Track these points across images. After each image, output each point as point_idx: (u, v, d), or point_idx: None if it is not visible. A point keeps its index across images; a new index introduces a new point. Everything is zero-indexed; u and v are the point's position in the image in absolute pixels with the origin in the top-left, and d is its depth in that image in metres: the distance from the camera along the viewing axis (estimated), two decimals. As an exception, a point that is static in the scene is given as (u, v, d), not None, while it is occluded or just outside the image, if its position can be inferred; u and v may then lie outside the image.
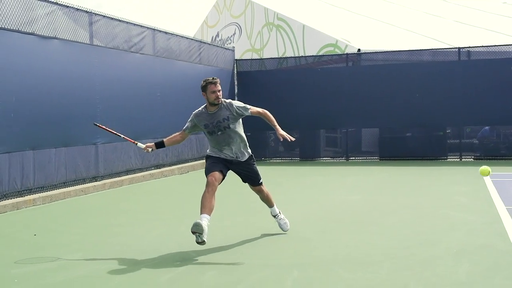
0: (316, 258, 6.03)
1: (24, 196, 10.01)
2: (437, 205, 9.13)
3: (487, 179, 11.57)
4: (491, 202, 9.14)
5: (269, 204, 7.18)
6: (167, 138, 6.95)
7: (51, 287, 5.24)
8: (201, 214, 6.21)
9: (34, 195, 10.18)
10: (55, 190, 10.71)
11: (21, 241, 7.37)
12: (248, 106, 6.83)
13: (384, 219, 8.07)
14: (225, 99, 6.75)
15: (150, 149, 6.76)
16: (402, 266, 5.66)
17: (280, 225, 7.20)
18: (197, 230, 5.94)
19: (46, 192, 10.47)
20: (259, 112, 6.97)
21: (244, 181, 7.09)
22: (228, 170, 6.78)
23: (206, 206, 6.29)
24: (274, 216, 7.22)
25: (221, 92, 6.67)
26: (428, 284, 5.04)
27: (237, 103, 6.82)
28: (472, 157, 16.42)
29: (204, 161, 6.91)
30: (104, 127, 7.20)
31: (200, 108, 6.79)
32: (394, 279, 5.21)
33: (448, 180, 12.28)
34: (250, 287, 5.12)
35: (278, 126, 6.89)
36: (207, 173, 6.58)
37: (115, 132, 7.04)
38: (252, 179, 6.98)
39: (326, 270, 5.57)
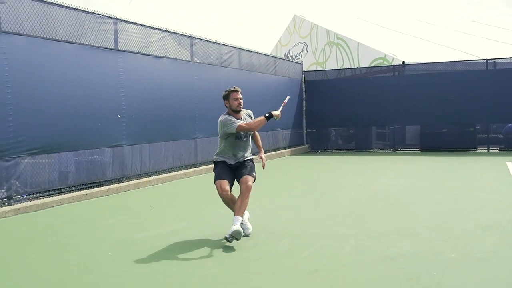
0: (368, 230, 5.97)
1: (143, 178, 10.31)
2: (468, 188, 8.83)
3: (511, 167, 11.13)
4: (516, 186, 8.78)
5: (240, 211, 5.45)
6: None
7: (164, 248, 5.40)
8: (235, 216, 5.46)
9: (150, 177, 10.47)
10: (165, 174, 10.96)
11: (140, 212, 7.63)
12: None
13: (424, 199, 7.88)
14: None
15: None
16: (438, 237, 5.52)
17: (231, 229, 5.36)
18: (237, 237, 5.30)
19: (158, 175, 10.73)
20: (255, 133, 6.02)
21: (239, 177, 5.65)
22: (233, 176, 5.71)
23: (234, 208, 5.53)
24: (237, 224, 5.39)
25: (242, 100, 5.68)
26: (461, 252, 4.91)
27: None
28: (498, 148, 15.93)
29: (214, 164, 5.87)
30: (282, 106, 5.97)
31: (226, 114, 5.67)
32: (432, 248, 5.09)
33: (478, 167, 11.83)
34: (316, 251, 5.13)
35: (262, 149, 5.98)
36: (217, 179, 5.60)
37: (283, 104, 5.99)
38: (247, 170, 5.65)
39: (377, 239, 5.50)
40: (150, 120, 10.62)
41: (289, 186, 10.06)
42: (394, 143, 17.10)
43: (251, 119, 5.80)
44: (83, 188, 8.89)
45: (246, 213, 5.83)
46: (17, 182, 7.70)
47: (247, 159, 5.77)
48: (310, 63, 24.54)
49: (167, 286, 4.26)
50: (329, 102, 17.56)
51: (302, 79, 18.50)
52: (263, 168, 5.90)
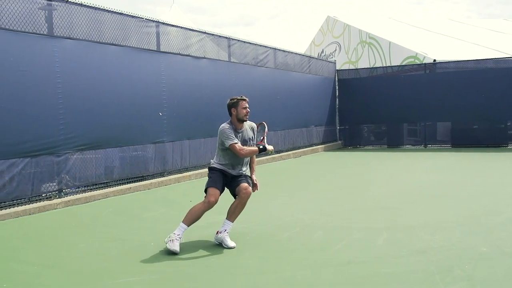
0: (401, 223, 5.88)
1: (183, 173, 10.39)
2: (499, 183, 8.59)
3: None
4: (549, 182, 8.48)
5: (233, 215, 5.14)
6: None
7: (203, 239, 5.45)
8: (182, 222, 5.13)
9: (189, 172, 10.55)
10: (204, 169, 10.88)
11: (181, 205, 7.64)
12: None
13: (456, 194, 7.70)
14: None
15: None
16: (471, 231, 5.40)
17: (224, 241, 5.11)
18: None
19: (198, 170, 10.80)
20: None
21: (235, 187, 5.20)
22: (224, 188, 5.25)
23: (187, 216, 5.14)
24: (223, 232, 5.14)
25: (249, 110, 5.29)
26: (493, 245, 4.79)
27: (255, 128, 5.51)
28: (529, 145, 15.50)
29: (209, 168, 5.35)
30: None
31: (227, 125, 5.28)
32: (464, 241, 4.98)
33: (509, 163, 11.50)
34: (350, 244, 5.09)
35: (255, 171, 5.50)
36: (211, 186, 5.10)
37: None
38: (243, 179, 5.22)
39: (409, 232, 5.42)
40: (190, 117, 10.69)
41: (323, 180, 10.00)
42: (425, 140, 16.80)
43: (253, 132, 5.40)
44: (127, 182, 9.05)
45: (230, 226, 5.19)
46: (67, 176, 7.91)
47: (244, 174, 5.30)
48: (343, 62, 24.27)
49: (206, 274, 4.31)
50: (361, 100, 17.39)
51: (335, 77, 18.32)
52: (253, 191, 5.32)
